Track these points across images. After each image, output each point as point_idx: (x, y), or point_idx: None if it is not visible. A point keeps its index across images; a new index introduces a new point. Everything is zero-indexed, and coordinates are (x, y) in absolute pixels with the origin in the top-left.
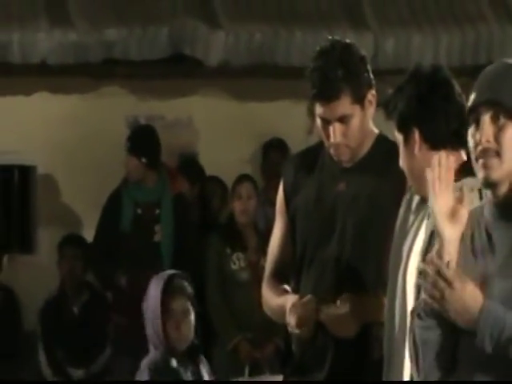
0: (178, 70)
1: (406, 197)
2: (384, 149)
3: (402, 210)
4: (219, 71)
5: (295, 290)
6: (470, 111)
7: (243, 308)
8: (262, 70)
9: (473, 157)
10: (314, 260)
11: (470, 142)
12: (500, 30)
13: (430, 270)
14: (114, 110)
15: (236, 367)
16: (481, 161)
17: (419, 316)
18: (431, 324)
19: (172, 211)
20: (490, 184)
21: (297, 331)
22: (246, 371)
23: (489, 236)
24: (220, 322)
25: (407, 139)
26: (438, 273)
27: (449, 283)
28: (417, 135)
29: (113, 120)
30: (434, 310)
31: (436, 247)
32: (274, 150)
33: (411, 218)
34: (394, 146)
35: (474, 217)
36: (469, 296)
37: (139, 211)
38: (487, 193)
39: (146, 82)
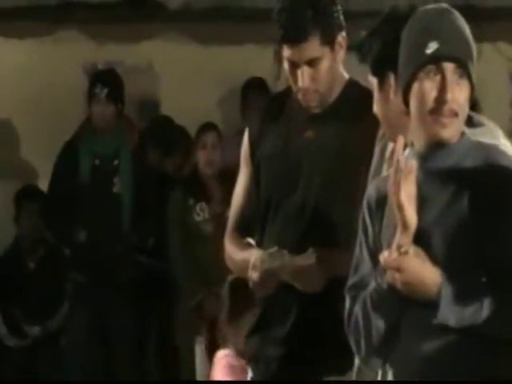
0: (138, 14)
1: (379, 145)
2: (355, 94)
3: (374, 160)
4: (181, 14)
5: (259, 244)
6: (429, 60)
7: (208, 262)
8: (226, 12)
9: (423, 110)
10: (279, 211)
11: (425, 95)
12: None
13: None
14: (71, 55)
15: (199, 324)
16: (441, 118)
17: (374, 304)
18: (381, 314)
19: (131, 163)
20: (441, 142)
21: (259, 288)
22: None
23: (418, 189)
24: (183, 276)
25: (382, 84)
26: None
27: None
28: (392, 79)
29: (69, 66)
30: (387, 299)
31: (398, 235)
32: (253, 90)
33: (385, 167)
34: (365, 92)
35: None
36: (427, 272)
37: (97, 162)
38: (413, 146)
39: (104, 26)
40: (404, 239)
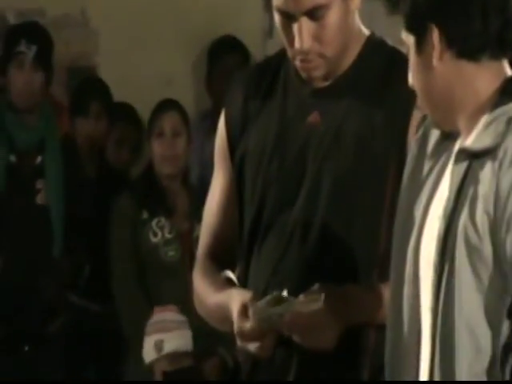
0: None
1: (419, 133)
2: (379, 59)
3: (411, 154)
4: None
5: (243, 278)
6: None
7: (171, 303)
8: None
9: None
10: (272, 230)
11: None
12: None
13: None
14: None
15: None
16: None
17: None
18: None
19: (61, 159)
20: None
21: (254, 349)
22: None
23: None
24: (134, 323)
25: (421, 43)
26: None
27: None
28: (436, 36)
29: None
30: None
31: None
32: (226, 54)
33: (427, 164)
34: (395, 56)
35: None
36: None
37: (13, 159)
38: None
39: None
40: None
